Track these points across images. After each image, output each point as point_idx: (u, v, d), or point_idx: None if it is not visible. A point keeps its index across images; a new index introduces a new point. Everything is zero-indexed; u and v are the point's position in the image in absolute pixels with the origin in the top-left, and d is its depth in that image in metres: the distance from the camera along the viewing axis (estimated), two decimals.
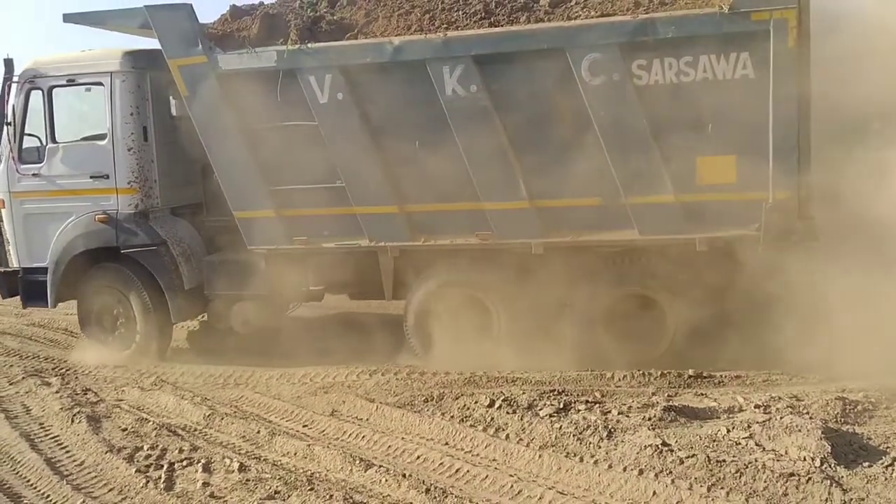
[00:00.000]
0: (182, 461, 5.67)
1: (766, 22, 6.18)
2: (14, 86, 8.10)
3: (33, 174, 8.18)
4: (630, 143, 6.62)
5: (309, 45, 7.15)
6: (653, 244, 6.81)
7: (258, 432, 6.11)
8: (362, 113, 7.12)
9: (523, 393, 6.18)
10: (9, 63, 8.07)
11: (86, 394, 7.33)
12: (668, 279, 6.90)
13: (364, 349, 7.70)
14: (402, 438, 5.79)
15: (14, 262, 8.52)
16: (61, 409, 6.78)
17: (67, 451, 6.06)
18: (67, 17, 7.90)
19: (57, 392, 7.24)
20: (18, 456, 6.00)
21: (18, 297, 8.62)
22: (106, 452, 5.84)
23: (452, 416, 5.93)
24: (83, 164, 8.07)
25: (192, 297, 8.13)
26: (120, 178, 7.98)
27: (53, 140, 8.15)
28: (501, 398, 6.02)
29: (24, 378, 7.80)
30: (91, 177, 8.04)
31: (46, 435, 6.41)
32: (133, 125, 7.94)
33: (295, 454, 5.69)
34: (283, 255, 7.71)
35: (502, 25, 6.94)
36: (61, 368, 8.23)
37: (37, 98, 8.14)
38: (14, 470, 5.81)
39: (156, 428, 6.26)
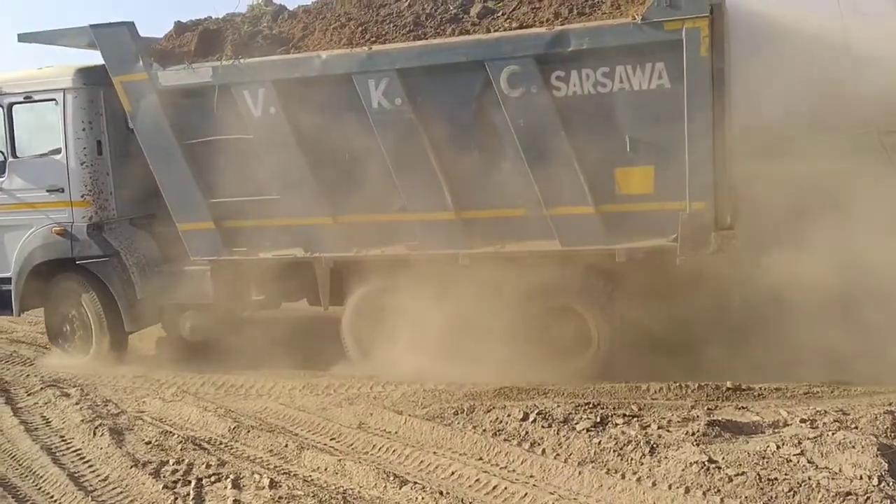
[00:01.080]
0: (210, 476, 5.47)
1: (679, 31, 6.13)
2: None
3: None
4: (549, 154, 6.62)
5: (242, 60, 7.29)
6: (574, 255, 6.80)
7: (286, 446, 5.94)
8: (294, 126, 7.23)
9: (557, 406, 6.02)
10: None
11: (106, 405, 7.19)
12: (591, 290, 6.88)
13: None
14: (434, 453, 5.58)
15: None
16: (82, 421, 6.65)
17: (91, 466, 5.90)
18: (22, 37, 8.20)
19: (77, 403, 7.13)
20: (41, 470, 5.85)
21: None
22: (131, 467, 5.67)
23: (485, 430, 5.77)
24: (41, 178, 8.34)
25: (145, 306, 8.34)
26: (74, 191, 8.22)
27: (14, 155, 8.43)
28: (535, 411, 5.86)
29: (42, 388, 7.73)
30: (48, 190, 8.30)
31: (68, 448, 6.27)
32: (86, 140, 8.17)
33: (325, 469, 5.49)
34: (227, 265, 7.87)
35: (428, 38, 6.99)
36: (79, 378, 8.12)
37: (2, 115, 8.42)
38: (36, 485, 5.67)
39: (181, 441, 6.10)
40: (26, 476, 5.82)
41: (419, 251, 7.17)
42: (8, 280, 8.60)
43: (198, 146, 7.58)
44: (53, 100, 8.21)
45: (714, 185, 6.29)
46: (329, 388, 7.16)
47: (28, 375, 8.27)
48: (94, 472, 5.78)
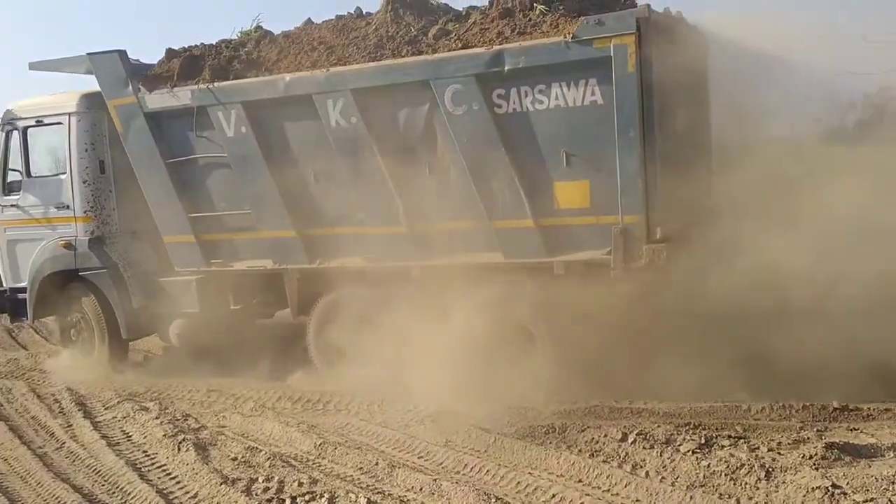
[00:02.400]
0: (304, 495, 5.34)
1: (608, 49, 6.27)
2: None
3: (12, 204, 9.23)
4: (492, 169, 6.83)
5: (216, 83, 7.78)
6: (517, 267, 6.95)
7: (376, 464, 5.75)
8: (262, 144, 7.66)
9: (657, 426, 5.88)
10: None
11: (186, 419, 7.19)
12: (538, 304, 6.99)
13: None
14: (530, 474, 5.36)
15: (3, 282, 9.61)
16: (164, 435, 6.62)
17: (178, 482, 5.79)
18: (32, 66, 8.94)
19: (157, 418, 7.12)
20: (128, 486, 5.76)
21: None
22: (220, 484, 5.53)
23: (581, 450, 5.63)
24: (50, 196, 9.03)
25: (141, 315, 8.89)
26: (78, 207, 8.87)
27: (28, 174, 9.17)
28: (635, 432, 5.72)
29: (119, 402, 7.77)
30: (56, 207, 8.99)
31: (153, 464, 6.21)
32: (88, 160, 8.82)
33: (421, 490, 5.27)
34: (210, 276, 8.35)
35: (385, 59, 7.30)
36: (154, 392, 8.26)
37: (16, 137, 9.17)
38: (125, 502, 5.59)
39: (269, 458, 5.96)
40: (114, 492, 5.73)
41: (376, 264, 7.46)
42: (23, 289, 9.33)
43: (180, 164, 8.12)
44: (60, 123, 8.89)
45: (645, 199, 6.36)
46: (408, 404, 6.92)
47: (103, 389, 8.34)
48: (182, 488, 5.67)
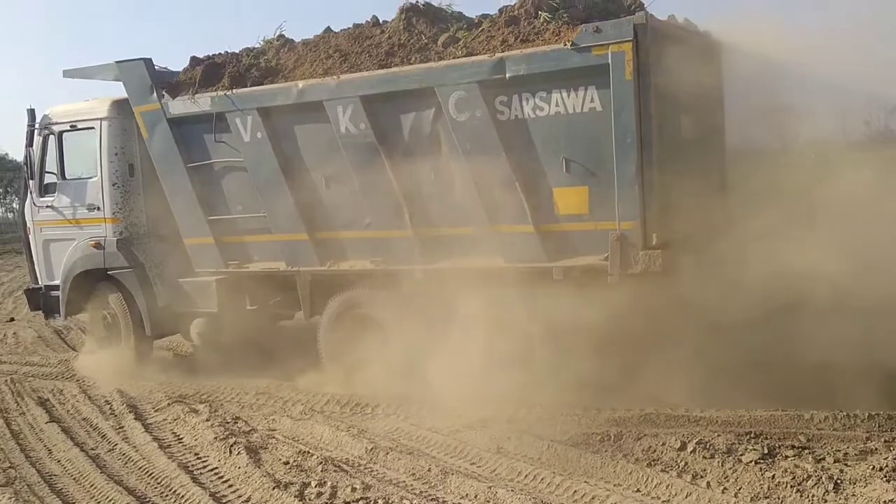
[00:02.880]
0: (358, 501, 5.30)
1: (605, 56, 6.31)
2: (35, 132, 9.61)
3: (48, 206, 9.64)
4: (494, 175, 6.91)
5: (233, 90, 8.04)
6: (517, 271, 7.01)
7: (428, 470, 5.67)
8: (277, 149, 7.89)
9: (717, 435, 5.75)
10: (31, 113, 9.63)
11: (236, 422, 7.20)
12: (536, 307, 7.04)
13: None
14: (586, 482, 5.24)
15: (39, 281, 10.04)
16: (215, 438, 6.64)
17: (231, 486, 5.78)
18: (66, 73, 9.35)
19: (207, 420, 7.17)
20: (181, 489, 5.74)
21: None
22: (273, 488, 5.50)
23: (638, 459, 5.54)
24: (82, 198, 9.41)
25: (166, 314, 9.19)
26: (107, 209, 9.23)
27: (63, 177, 9.57)
28: (694, 440, 5.63)
29: (169, 404, 7.87)
30: (87, 208, 9.36)
31: (205, 466, 6.20)
32: (118, 163, 9.18)
33: (476, 497, 5.19)
34: (229, 277, 8.60)
35: (394, 66, 7.46)
36: (203, 394, 8.31)
37: (51, 141, 9.59)
38: None
39: (320, 462, 5.95)
40: (167, 495, 5.72)
41: (382, 266, 7.60)
42: (58, 287, 9.74)
43: (200, 168, 8.40)
44: (92, 128, 9.27)
45: (641, 206, 6.38)
46: (458, 410, 6.81)
47: (152, 391, 8.46)
48: (235, 492, 5.65)
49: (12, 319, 13.63)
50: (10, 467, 6.54)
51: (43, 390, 8.91)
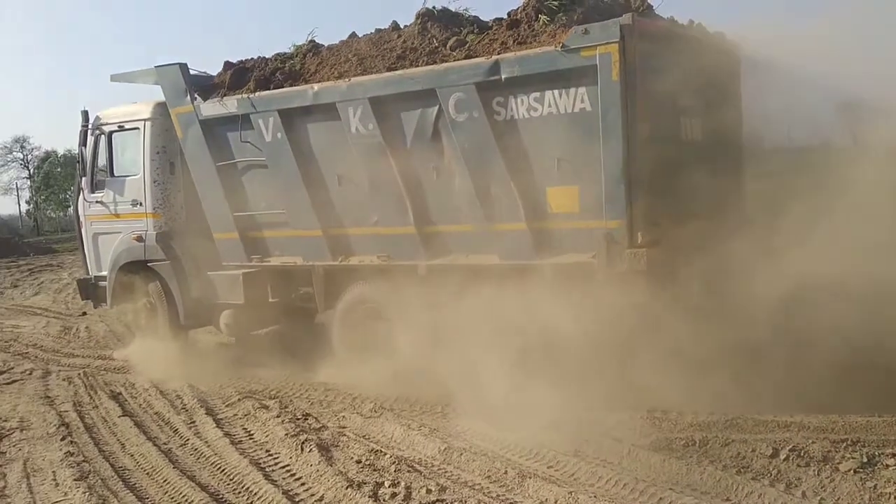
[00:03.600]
0: (434, 503, 5.20)
1: (594, 57, 6.43)
2: (88, 132, 10.30)
3: (97, 201, 10.32)
4: (490, 174, 7.11)
5: (257, 93, 8.47)
6: (511, 268, 7.16)
7: (505, 472, 5.51)
8: (295, 149, 8.27)
9: (812, 442, 5.52)
10: (84, 114, 10.33)
11: (306, 419, 7.18)
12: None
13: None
14: (671, 489, 5.02)
15: (89, 272, 10.74)
16: (286, 435, 6.63)
17: (303, 484, 5.71)
18: (113, 77, 9.98)
19: (278, 416, 7.18)
20: (253, 486, 5.68)
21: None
22: (346, 487, 5.41)
23: (726, 466, 5.32)
24: (127, 194, 10.03)
25: (199, 304, 9.69)
26: (149, 204, 9.81)
27: (112, 174, 10.22)
28: (787, 447, 5.43)
29: (239, 399, 7.89)
30: (131, 203, 9.97)
31: (276, 463, 6.17)
32: (160, 161, 9.74)
33: (556, 502, 5.01)
34: (254, 270, 9.03)
35: (403, 69, 7.73)
36: (272, 389, 8.34)
37: (102, 141, 10.25)
38: (252, 503, 5.52)
39: (393, 462, 5.86)
40: (239, 492, 5.67)
41: (388, 262, 7.88)
42: (105, 277, 10.41)
43: (227, 167, 8.87)
44: (137, 128, 9.87)
45: (627, 205, 6.45)
46: (531, 409, 6.54)
47: (223, 386, 8.51)
48: (307, 490, 5.59)
49: (84, 314, 14.45)
50: (84, 461, 6.59)
51: (115, 384, 9.12)
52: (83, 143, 10.37)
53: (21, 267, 25.85)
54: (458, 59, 7.31)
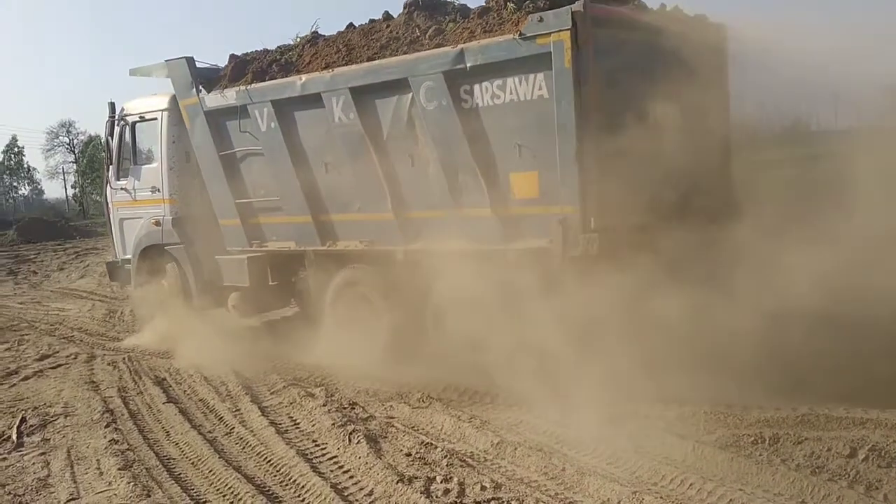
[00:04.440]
0: (489, 501, 4.95)
1: (548, 45, 6.51)
2: (114, 123, 10.90)
3: (122, 188, 10.91)
4: (459, 161, 7.27)
5: (252, 85, 8.82)
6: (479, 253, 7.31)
7: (563, 469, 5.26)
8: (287, 138, 8.60)
9: (893, 441, 5.21)
10: (111, 106, 10.93)
11: (353, 408, 7.01)
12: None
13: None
14: (741, 490, 4.77)
15: (117, 255, 11.38)
16: (333, 424, 6.45)
17: (352, 477, 5.52)
18: (132, 72, 10.51)
19: (324, 405, 7.02)
20: (300, 479, 5.53)
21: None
22: (397, 482, 5.21)
23: (799, 465, 5.03)
24: (147, 181, 10.57)
25: (210, 287, 10.16)
26: (166, 191, 10.33)
27: (134, 163, 10.80)
28: (866, 447, 5.12)
29: (284, 387, 7.79)
30: (150, 190, 10.52)
31: (324, 455, 5.99)
32: (175, 150, 10.22)
33: (619, 502, 4.77)
34: (258, 254, 9.43)
35: (384, 59, 7.94)
36: (317, 377, 8.18)
37: (126, 131, 10.82)
38: (299, 496, 5.33)
39: (445, 455, 5.65)
40: (287, 484, 5.53)
41: (370, 247, 8.14)
42: (129, 260, 11.03)
43: (229, 156, 9.27)
44: (156, 119, 10.39)
45: (581, 190, 6.52)
46: (586, 403, 6.31)
47: (267, 373, 8.41)
48: (356, 484, 5.40)
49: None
50: (128, 449, 6.51)
51: (159, 369, 9.15)
52: (110, 133, 10.97)
53: (67, 250, 26.65)
54: (430, 48, 7.46)
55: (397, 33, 8.20)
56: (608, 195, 6.53)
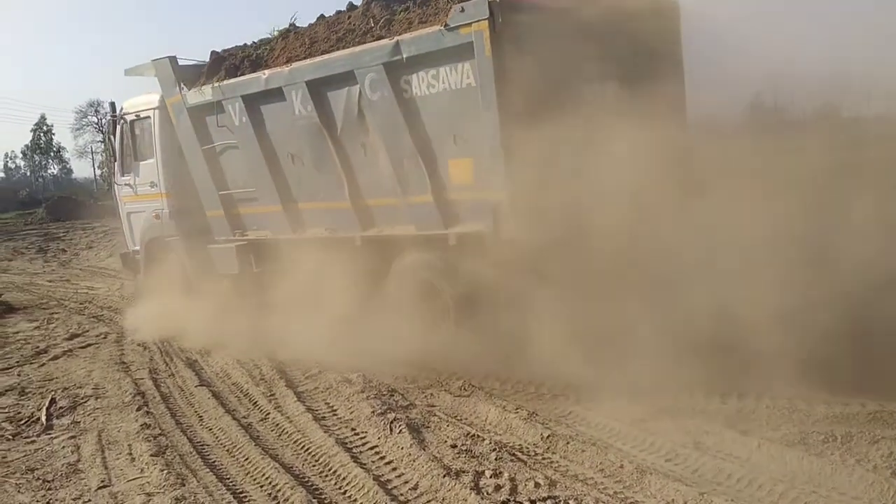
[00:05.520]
0: (545, 500, 4.65)
1: (470, 34, 6.67)
2: (115, 121, 11.47)
3: (126, 183, 11.50)
4: (403, 149, 7.51)
5: (224, 81, 9.20)
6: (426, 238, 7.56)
7: (620, 466, 4.94)
8: (257, 131, 8.96)
9: None
10: (112, 105, 11.49)
11: (392, 395, 6.77)
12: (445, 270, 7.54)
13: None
14: (815, 492, 4.48)
15: (128, 246, 12.02)
16: (372, 412, 6.21)
17: (394, 469, 5.28)
18: (127, 72, 11.00)
19: (362, 391, 6.80)
20: (341, 469, 5.30)
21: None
22: (443, 476, 4.92)
23: (877, 467, 4.68)
24: (146, 176, 11.11)
25: (206, 275, 10.62)
26: (162, 186, 10.84)
27: (136, 159, 11.34)
28: None
29: (320, 372, 7.60)
30: (150, 185, 11.06)
31: (364, 444, 5.78)
32: (168, 146, 10.67)
33: None
34: (244, 243, 9.86)
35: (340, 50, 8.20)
36: (353, 362, 7.68)
37: (126, 129, 11.37)
38: (340, 488, 5.10)
39: (493, 448, 5.37)
40: (327, 475, 5.32)
41: (333, 234, 8.47)
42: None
43: (210, 150, 9.70)
44: (149, 116, 10.89)
45: (508, 175, 6.69)
46: (636, 393, 6.09)
47: (301, 356, 8.09)
48: (400, 477, 5.15)
49: None
50: (160, 434, 6.42)
51: (191, 351, 9.14)
52: (111, 131, 11.55)
53: (96, 229, 26.99)
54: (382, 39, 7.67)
55: (353, 25, 8.43)
56: (536, 181, 6.66)
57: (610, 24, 7.03)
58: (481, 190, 6.99)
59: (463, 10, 6.67)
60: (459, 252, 7.25)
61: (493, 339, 6.90)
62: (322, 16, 9.40)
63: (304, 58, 8.48)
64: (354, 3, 8.96)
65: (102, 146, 58.87)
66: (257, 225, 9.48)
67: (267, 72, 8.69)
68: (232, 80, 9.12)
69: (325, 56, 8.08)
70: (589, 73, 7.06)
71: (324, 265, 8.61)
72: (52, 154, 68.35)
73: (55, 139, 68.15)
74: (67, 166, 70.64)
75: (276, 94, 8.62)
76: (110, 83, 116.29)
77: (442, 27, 6.86)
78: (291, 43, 9.13)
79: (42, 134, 66.57)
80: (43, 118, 66.54)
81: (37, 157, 68.27)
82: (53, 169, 70.41)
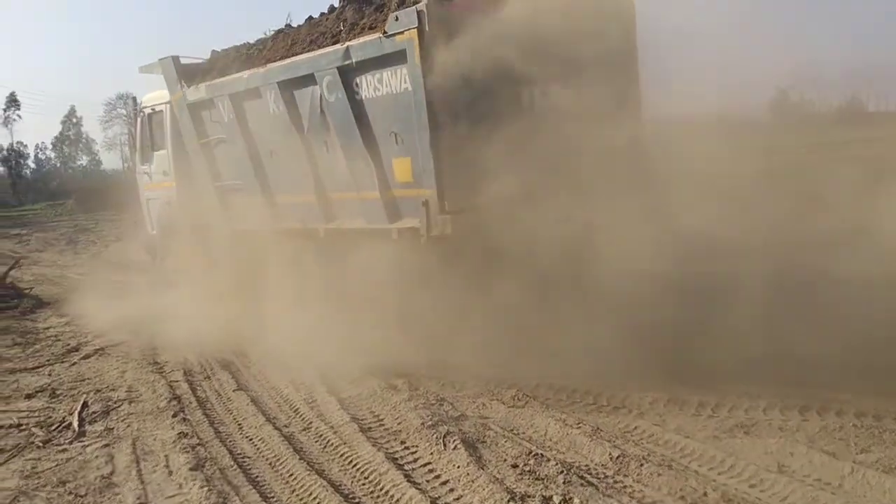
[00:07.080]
0: None
1: (404, 42, 7.10)
2: (136, 113, 12.33)
3: (144, 172, 12.36)
4: (355, 148, 7.99)
5: (214, 80, 9.86)
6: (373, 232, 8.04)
7: (704, 494, 4.60)
8: (242, 127, 9.59)
9: None
10: (133, 99, 12.41)
11: (441, 405, 6.45)
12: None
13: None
14: None
15: (149, 231, 12.92)
16: (422, 424, 5.88)
17: (452, 490, 4.92)
18: (141, 69, 11.80)
19: (409, 400, 6.51)
20: (394, 490, 4.94)
21: None
22: (508, 501, 4.60)
23: None
24: (160, 166, 11.95)
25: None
26: (172, 175, 11.64)
27: (153, 149, 12.19)
28: None
29: (362, 376, 7.28)
30: (163, 174, 11.88)
31: (416, 460, 5.40)
32: (178, 138, 11.44)
33: None
34: (236, 233, 10.55)
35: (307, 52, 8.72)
36: (398, 366, 7.38)
37: (145, 121, 12.22)
38: None
39: (560, 471, 4.97)
40: (379, 497, 4.94)
41: (305, 226, 9.03)
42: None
43: (206, 144, 10.39)
44: (162, 110, 11.69)
45: (437, 175, 7.12)
46: (705, 407, 5.85)
47: (342, 359, 7.60)
48: (459, 500, 4.82)
49: None
50: (198, 444, 6.09)
51: (226, 351, 8.82)
52: (133, 122, 12.40)
53: (125, 220, 26.83)
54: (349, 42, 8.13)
55: (327, 28, 8.92)
56: (465, 180, 7.06)
57: (549, 27, 7.31)
58: (418, 188, 7.42)
59: (397, 19, 7.09)
60: (401, 246, 7.69)
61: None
62: (310, 17, 9.93)
63: (282, 59, 9.03)
64: (334, 6, 9.49)
65: (128, 138, 60.20)
66: (245, 218, 10.09)
67: (247, 72, 9.29)
68: (221, 80, 9.76)
69: (293, 59, 8.61)
70: (524, 76, 7.35)
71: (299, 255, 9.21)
72: (80, 145, 68.82)
73: (84, 130, 68.85)
74: (97, 158, 70.83)
75: (255, 94, 9.21)
76: (143, 78, 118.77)
77: (381, 34, 7.29)
78: (278, 44, 9.68)
79: (71, 125, 67.23)
80: (73, 110, 67.34)
81: (66, 149, 68.76)
82: (83, 161, 70.85)
